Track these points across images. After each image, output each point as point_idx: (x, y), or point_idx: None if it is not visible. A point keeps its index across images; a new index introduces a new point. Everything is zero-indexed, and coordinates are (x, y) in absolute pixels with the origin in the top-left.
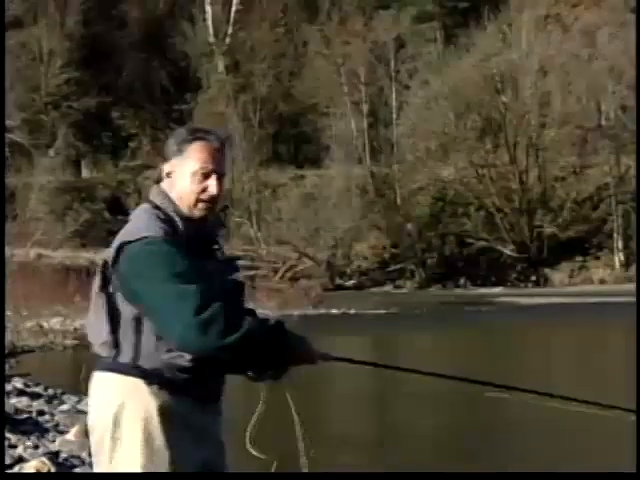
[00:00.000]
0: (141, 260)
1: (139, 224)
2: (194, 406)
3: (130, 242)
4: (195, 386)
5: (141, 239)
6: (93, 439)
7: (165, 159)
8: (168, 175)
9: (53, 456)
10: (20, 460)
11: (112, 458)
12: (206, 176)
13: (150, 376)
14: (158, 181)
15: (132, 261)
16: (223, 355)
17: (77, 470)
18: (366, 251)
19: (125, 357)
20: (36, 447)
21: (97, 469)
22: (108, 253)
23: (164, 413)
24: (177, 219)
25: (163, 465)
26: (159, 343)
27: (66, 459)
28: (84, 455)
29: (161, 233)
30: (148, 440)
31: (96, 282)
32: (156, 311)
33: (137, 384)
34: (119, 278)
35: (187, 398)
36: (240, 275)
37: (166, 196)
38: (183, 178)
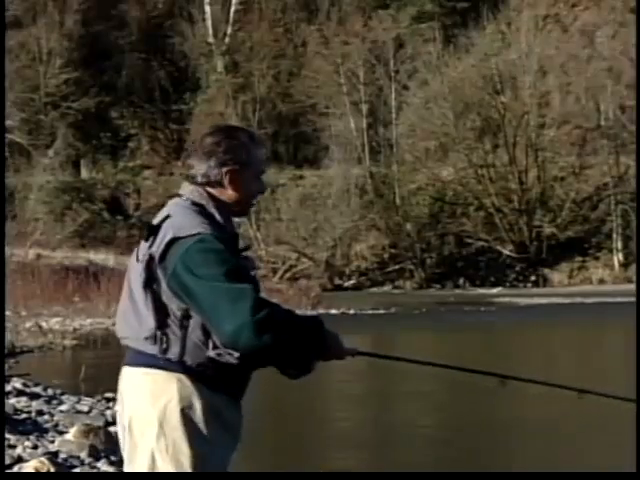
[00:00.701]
0: (194, 256)
1: (188, 220)
2: (229, 403)
3: (182, 238)
4: (233, 383)
5: (193, 235)
6: (133, 434)
7: (223, 162)
8: (233, 178)
9: (52, 456)
10: (19, 460)
11: (155, 455)
12: (261, 175)
13: (194, 372)
14: (195, 181)
15: (184, 257)
16: (272, 353)
17: (76, 470)
18: (365, 251)
19: (171, 352)
20: (35, 447)
21: (130, 467)
22: (150, 249)
23: (208, 410)
24: (218, 216)
25: (206, 463)
26: (206, 339)
27: (65, 459)
28: (83, 455)
29: (211, 230)
30: (193, 437)
31: (140, 277)
32: (210, 308)
33: (182, 380)
34: (167, 273)
35: (223, 395)
36: (257, 272)
37: (204, 193)
38: (249, 180)
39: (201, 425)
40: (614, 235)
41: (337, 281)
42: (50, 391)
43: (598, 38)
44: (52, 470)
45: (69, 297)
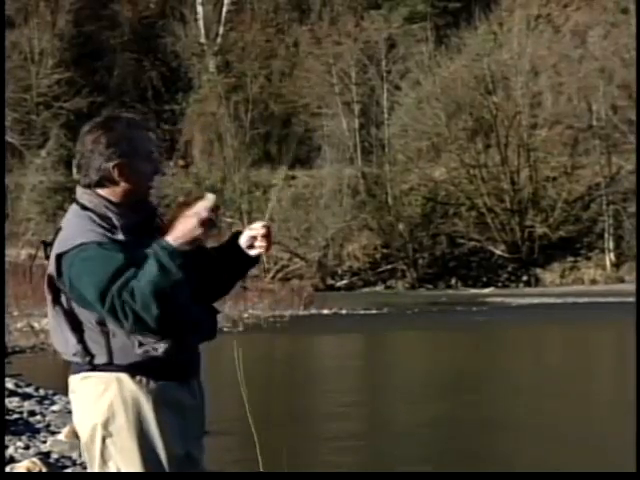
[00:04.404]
0: (77, 267)
1: (71, 231)
2: (175, 385)
3: (66, 252)
4: (171, 370)
5: (75, 247)
6: (82, 438)
7: (108, 157)
8: (122, 171)
9: (44, 456)
10: (11, 460)
11: (105, 457)
12: (151, 156)
13: (130, 369)
14: (85, 182)
15: (71, 271)
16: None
17: (68, 470)
18: (357, 251)
19: (99, 360)
20: (27, 447)
21: (89, 467)
22: (50, 268)
23: (154, 400)
24: (111, 215)
25: (159, 451)
26: (130, 339)
27: (57, 459)
28: (75, 455)
29: (93, 236)
30: (143, 434)
31: (49, 297)
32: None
33: (121, 378)
34: (67, 288)
35: (164, 380)
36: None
37: (93, 194)
38: (139, 167)
39: (149, 418)
40: (606, 235)
41: (329, 281)
42: (42, 391)
43: (590, 38)
44: (44, 470)
45: None
